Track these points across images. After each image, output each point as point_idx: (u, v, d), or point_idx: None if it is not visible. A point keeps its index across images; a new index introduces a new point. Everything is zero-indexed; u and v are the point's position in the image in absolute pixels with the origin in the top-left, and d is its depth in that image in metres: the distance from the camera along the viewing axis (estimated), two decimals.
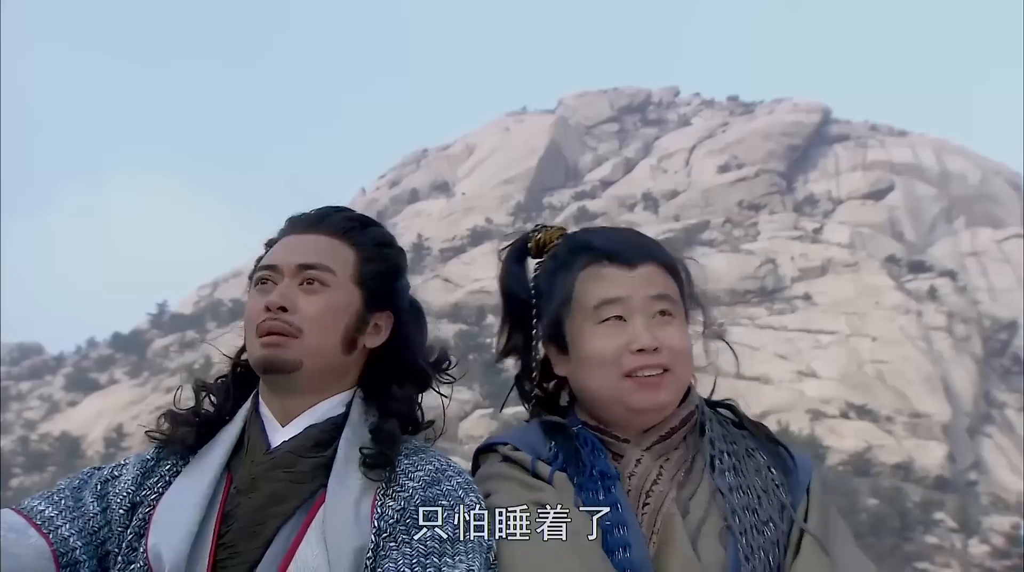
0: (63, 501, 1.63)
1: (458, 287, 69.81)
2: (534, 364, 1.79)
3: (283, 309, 1.65)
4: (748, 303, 70.53)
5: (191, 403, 1.76)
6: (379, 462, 1.62)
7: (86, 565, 1.60)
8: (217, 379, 1.79)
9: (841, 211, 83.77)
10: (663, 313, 1.69)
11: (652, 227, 77.06)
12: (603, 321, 1.68)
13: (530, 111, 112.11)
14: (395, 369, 1.76)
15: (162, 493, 1.64)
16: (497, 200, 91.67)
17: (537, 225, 1.87)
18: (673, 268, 1.75)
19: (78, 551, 1.59)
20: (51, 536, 1.57)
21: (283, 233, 1.76)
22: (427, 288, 74.30)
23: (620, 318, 1.68)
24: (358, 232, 1.74)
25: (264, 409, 1.70)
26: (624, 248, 1.72)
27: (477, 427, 50.47)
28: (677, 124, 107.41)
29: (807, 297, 69.56)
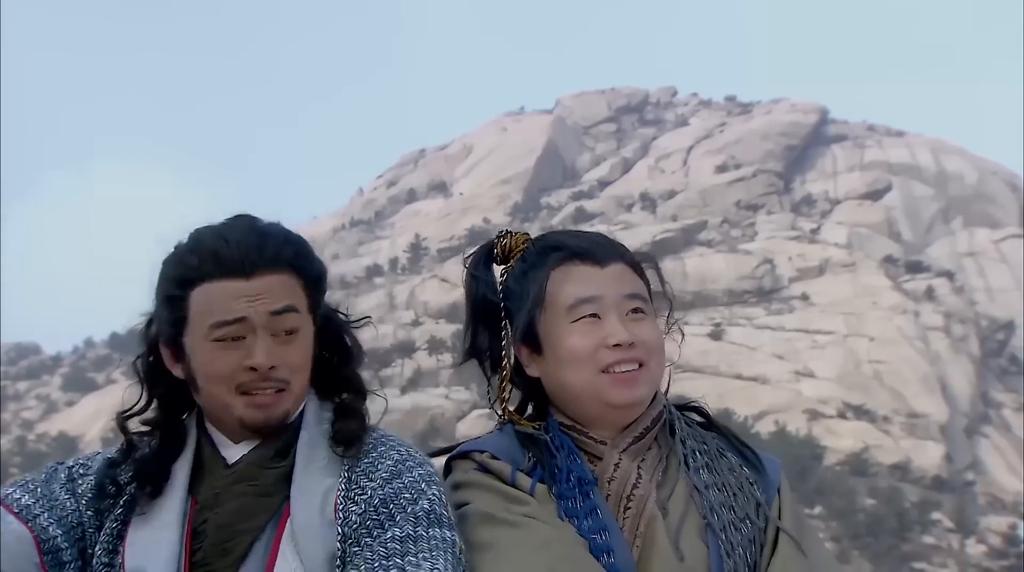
0: (39, 490, 1.60)
1: (456, 287, 69.68)
2: (504, 367, 1.77)
3: (272, 368, 1.57)
4: (746, 303, 70.61)
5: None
6: (348, 437, 1.60)
7: (68, 553, 1.57)
8: (142, 425, 1.67)
9: (839, 211, 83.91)
10: (636, 310, 1.69)
11: (650, 227, 77.16)
12: (578, 319, 1.68)
13: (528, 111, 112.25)
14: (336, 358, 1.73)
15: (130, 508, 1.61)
16: (495, 200, 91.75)
17: (501, 231, 1.84)
18: (640, 268, 1.76)
19: (59, 539, 1.57)
20: (31, 524, 1.54)
21: (207, 274, 1.57)
22: (425, 288, 74.32)
23: (595, 316, 1.68)
24: (299, 260, 1.63)
25: (214, 431, 1.65)
26: (594, 247, 1.72)
27: (475, 427, 50.49)
28: (675, 124, 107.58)
29: (805, 297, 69.66)
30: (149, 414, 1.67)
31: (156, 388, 1.67)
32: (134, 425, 1.68)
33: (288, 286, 1.61)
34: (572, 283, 1.70)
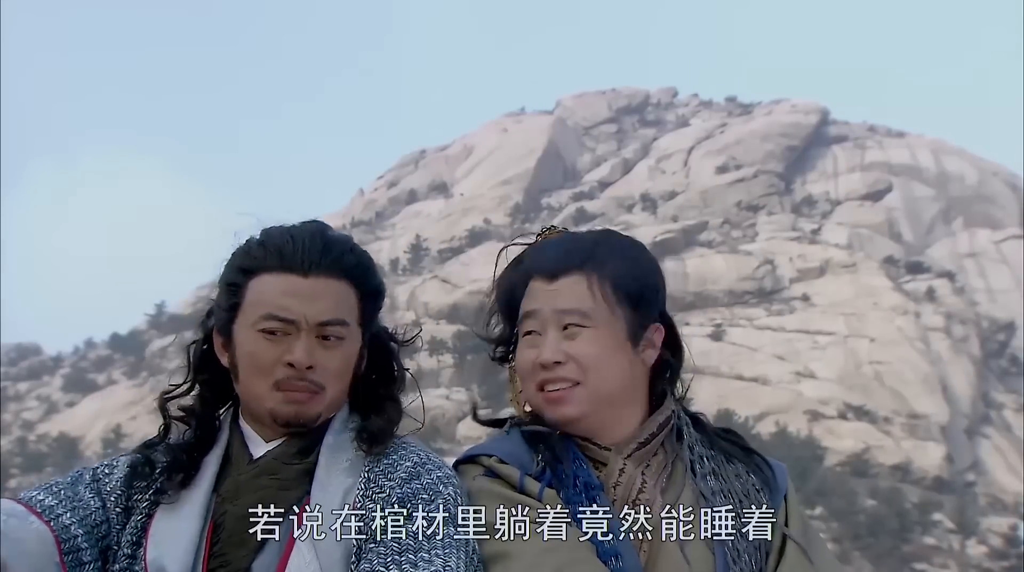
0: (63, 492, 1.63)
1: (456, 288, 69.75)
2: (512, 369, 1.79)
3: (309, 368, 1.62)
4: (746, 304, 70.54)
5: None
6: (374, 435, 1.64)
7: (88, 553, 1.60)
8: (186, 408, 1.73)
9: (839, 212, 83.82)
10: (572, 325, 1.67)
11: (650, 228, 77.08)
12: (525, 334, 1.71)
13: (528, 112, 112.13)
14: (380, 374, 1.76)
15: (155, 502, 1.64)
16: (495, 201, 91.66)
17: (544, 227, 1.85)
18: (603, 273, 1.70)
19: (79, 539, 1.59)
20: (52, 524, 1.57)
21: (268, 266, 1.63)
22: (425, 289, 74.28)
23: (537, 332, 1.69)
24: (359, 271, 1.69)
25: (246, 427, 1.69)
26: (549, 261, 1.72)
27: (475, 428, 50.39)
28: (675, 125, 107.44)
29: (805, 298, 69.58)
30: (188, 401, 1.71)
31: (202, 374, 1.72)
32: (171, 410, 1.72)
33: (343, 295, 1.65)
34: (526, 299, 1.72)
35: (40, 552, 1.53)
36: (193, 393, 1.72)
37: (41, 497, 1.61)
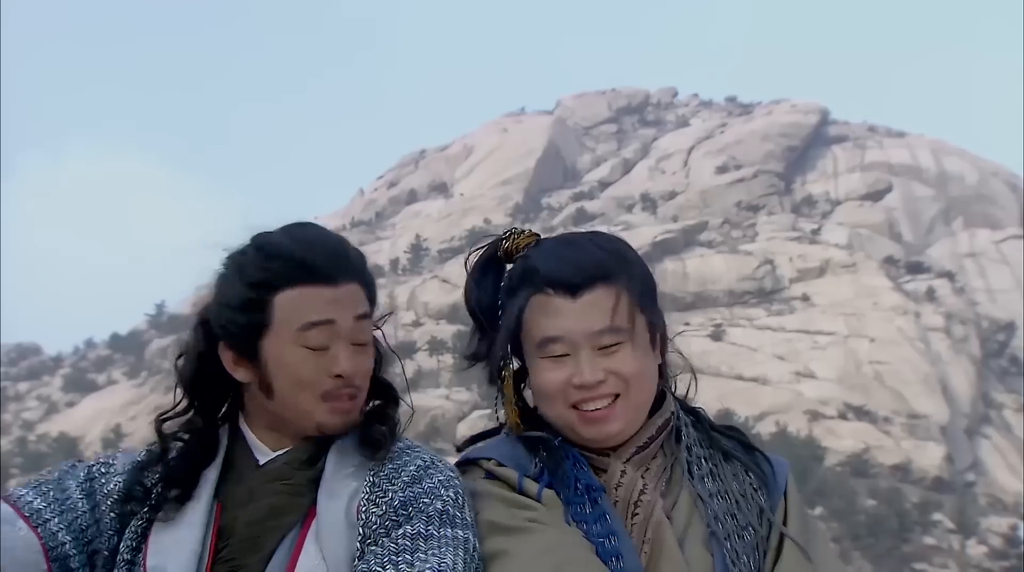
0: (51, 493, 1.60)
1: (456, 288, 69.70)
2: (504, 377, 1.74)
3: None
4: (746, 304, 70.59)
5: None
6: (375, 441, 1.64)
7: (75, 559, 1.59)
8: (181, 424, 1.69)
9: (839, 212, 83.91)
10: (607, 346, 1.63)
11: (650, 228, 77.14)
12: (548, 356, 1.65)
13: (528, 112, 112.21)
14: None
15: (156, 508, 1.63)
16: (495, 201, 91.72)
17: (506, 232, 1.79)
18: (626, 283, 1.65)
19: (67, 546, 1.58)
20: (40, 530, 1.55)
21: (295, 279, 1.60)
22: (425, 289, 74.36)
23: (566, 354, 1.64)
24: (366, 270, 1.69)
25: (250, 435, 1.68)
26: (568, 274, 1.64)
27: (476, 428, 50.31)
28: (675, 125, 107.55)
29: (805, 298, 69.64)
30: (186, 417, 1.69)
31: (199, 391, 1.69)
32: (168, 428, 1.69)
33: (362, 297, 1.68)
34: (543, 317, 1.64)
35: (27, 560, 1.52)
36: (191, 410, 1.70)
37: (30, 499, 1.58)
